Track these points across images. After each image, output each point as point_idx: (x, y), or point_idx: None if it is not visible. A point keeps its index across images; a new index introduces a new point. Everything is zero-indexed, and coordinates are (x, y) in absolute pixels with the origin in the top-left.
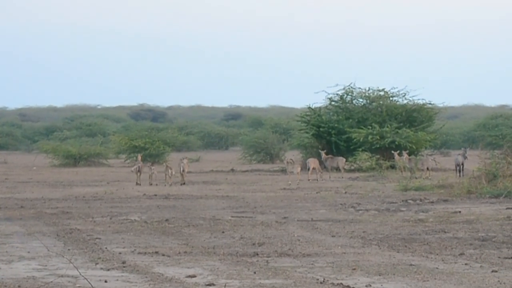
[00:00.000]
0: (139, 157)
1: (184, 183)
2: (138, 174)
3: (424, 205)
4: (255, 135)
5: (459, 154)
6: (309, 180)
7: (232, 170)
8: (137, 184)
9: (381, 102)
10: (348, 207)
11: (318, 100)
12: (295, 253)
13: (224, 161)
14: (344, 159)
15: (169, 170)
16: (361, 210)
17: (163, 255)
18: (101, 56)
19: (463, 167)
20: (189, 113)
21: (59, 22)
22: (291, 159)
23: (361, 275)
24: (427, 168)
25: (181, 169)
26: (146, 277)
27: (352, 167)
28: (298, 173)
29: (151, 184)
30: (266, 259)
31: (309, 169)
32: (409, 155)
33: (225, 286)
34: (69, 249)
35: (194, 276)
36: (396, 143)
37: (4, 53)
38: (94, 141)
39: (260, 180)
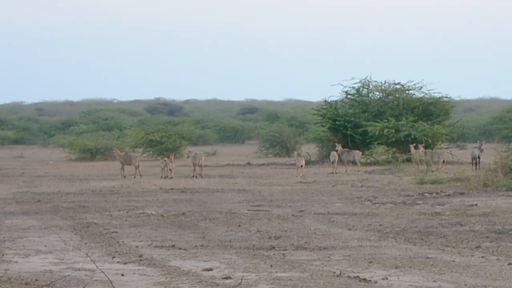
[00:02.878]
0: (116, 151)
1: (200, 176)
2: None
3: (440, 198)
4: (271, 129)
5: (475, 147)
6: (336, 173)
7: (248, 163)
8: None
9: (397, 96)
10: (365, 200)
11: (334, 94)
12: (311, 246)
13: (240, 155)
14: (360, 153)
15: (171, 163)
16: (377, 203)
17: (180, 248)
18: (117, 51)
19: (479, 160)
20: (205, 107)
21: (75, 16)
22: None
23: (378, 268)
24: (443, 161)
25: (199, 162)
26: (163, 270)
27: (368, 161)
28: (302, 166)
29: (162, 178)
30: (282, 253)
31: (333, 162)
32: (425, 149)
33: (241, 279)
34: (86, 243)
35: (210, 270)
36: (412, 136)
37: (21, 48)
38: (111, 135)
39: (276, 173)
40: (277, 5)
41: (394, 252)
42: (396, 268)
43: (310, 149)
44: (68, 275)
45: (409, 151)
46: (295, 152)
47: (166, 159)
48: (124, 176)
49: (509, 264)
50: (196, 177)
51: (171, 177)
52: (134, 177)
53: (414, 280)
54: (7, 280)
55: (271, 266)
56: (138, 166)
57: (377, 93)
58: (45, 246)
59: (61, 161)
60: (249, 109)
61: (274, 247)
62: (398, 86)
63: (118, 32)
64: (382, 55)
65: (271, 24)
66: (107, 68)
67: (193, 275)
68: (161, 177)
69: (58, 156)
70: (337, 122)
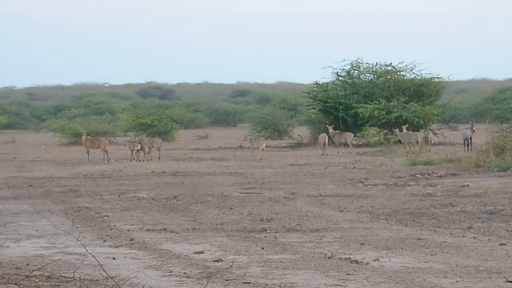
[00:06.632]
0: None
1: (158, 159)
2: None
3: (432, 179)
4: (263, 112)
5: (467, 128)
6: (326, 154)
7: (240, 146)
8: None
9: (388, 77)
10: (356, 182)
11: (326, 76)
12: (303, 228)
13: (232, 138)
14: (352, 134)
15: (147, 147)
16: (369, 185)
17: (171, 232)
18: (108, 34)
19: (471, 141)
20: (197, 90)
21: (66, 0)
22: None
23: (369, 250)
24: (417, 142)
25: (157, 146)
26: (154, 253)
27: (360, 142)
28: (263, 149)
29: (144, 160)
30: (274, 235)
31: (324, 144)
32: (407, 130)
33: (233, 262)
34: (77, 227)
35: (202, 253)
36: (403, 117)
37: (12, 33)
38: (102, 119)
39: (268, 156)
40: None
41: (385, 234)
42: (388, 250)
43: (302, 131)
44: (59, 259)
45: (401, 132)
46: (248, 137)
47: (142, 140)
48: (89, 160)
49: (500, 244)
50: (151, 159)
51: (150, 159)
52: (103, 160)
53: (406, 261)
54: None
55: (263, 248)
56: (106, 150)
57: (368, 74)
58: (37, 230)
59: (52, 145)
60: (241, 92)
61: (265, 230)
62: (389, 68)
63: (109, 16)
64: (373, 36)
65: (262, 7)
66: (98, 52)
67: (184, 258)
68: (131, 159)
69: (50, 140)
70: (327, 104)
